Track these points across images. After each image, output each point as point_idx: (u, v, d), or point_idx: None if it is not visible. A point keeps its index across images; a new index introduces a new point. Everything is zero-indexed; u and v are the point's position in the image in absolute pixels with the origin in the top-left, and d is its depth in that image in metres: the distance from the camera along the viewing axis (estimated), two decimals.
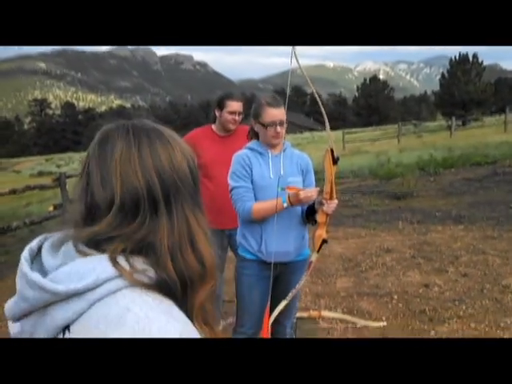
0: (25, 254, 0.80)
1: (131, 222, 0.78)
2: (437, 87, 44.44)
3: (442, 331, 3.63)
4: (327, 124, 2.50)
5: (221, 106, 3.34)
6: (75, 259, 0.76)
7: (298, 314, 3.93)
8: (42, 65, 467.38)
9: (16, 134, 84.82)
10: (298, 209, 2.64)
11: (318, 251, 2.50)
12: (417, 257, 5.41)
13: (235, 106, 3.33)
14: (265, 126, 2.56)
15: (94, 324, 0.71)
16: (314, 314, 3.92)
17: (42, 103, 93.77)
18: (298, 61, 2.22)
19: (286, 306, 2.55)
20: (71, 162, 42.42)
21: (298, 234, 2.65)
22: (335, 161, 2.29)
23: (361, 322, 3.73)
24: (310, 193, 2.41)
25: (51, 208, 8.48)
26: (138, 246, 0.78)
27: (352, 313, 4.05)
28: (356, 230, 6.86)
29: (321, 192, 2.45)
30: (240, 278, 2.73)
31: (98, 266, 0.74)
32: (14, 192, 9.03)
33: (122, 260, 0.75)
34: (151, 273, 0.77)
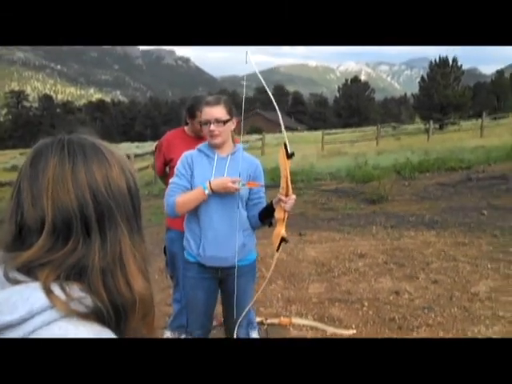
0: None
1: (63, 245, 0.75)
2: (417, 90, 44.89)
3: None
4: (281, 121, 2.49)
5: (192, 115, 3.32)
6: (5, 287, 0.72)
7: (269, 321, 3.93)
8: (21, 55, 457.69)
9: None
10: (242, 215, 2.61)
11: (278, 250, 2.45)
12: (389, 262, 5.46)
13: None
14: (201, 125, 2.60)
15: None
16: (284, 320, 3.92)
17: (19, 95, 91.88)
18: (245, 62, 2.22)
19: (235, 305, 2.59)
20: None
21: (238, 240, 2.59)
22: (289, 156, 2.28)
23: (330, 330, 3.74)
24: (236, 184, 2.46)
25: None
26: (72, 271, 0.74)
27: (323, 320, 4.06)
28: (330, 233, 6.89)
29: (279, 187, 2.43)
30: (184, 281, 2.80)
31: (31, 295, 0.70)
32: None
33: (56, 288, 0.72)
34: (88, 301, 0.73)
